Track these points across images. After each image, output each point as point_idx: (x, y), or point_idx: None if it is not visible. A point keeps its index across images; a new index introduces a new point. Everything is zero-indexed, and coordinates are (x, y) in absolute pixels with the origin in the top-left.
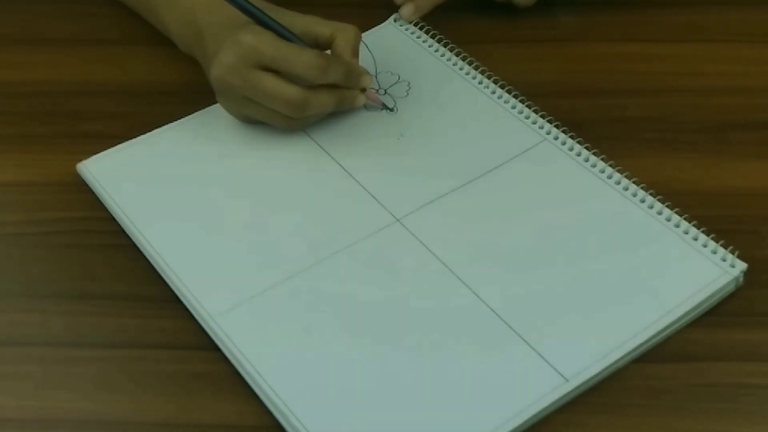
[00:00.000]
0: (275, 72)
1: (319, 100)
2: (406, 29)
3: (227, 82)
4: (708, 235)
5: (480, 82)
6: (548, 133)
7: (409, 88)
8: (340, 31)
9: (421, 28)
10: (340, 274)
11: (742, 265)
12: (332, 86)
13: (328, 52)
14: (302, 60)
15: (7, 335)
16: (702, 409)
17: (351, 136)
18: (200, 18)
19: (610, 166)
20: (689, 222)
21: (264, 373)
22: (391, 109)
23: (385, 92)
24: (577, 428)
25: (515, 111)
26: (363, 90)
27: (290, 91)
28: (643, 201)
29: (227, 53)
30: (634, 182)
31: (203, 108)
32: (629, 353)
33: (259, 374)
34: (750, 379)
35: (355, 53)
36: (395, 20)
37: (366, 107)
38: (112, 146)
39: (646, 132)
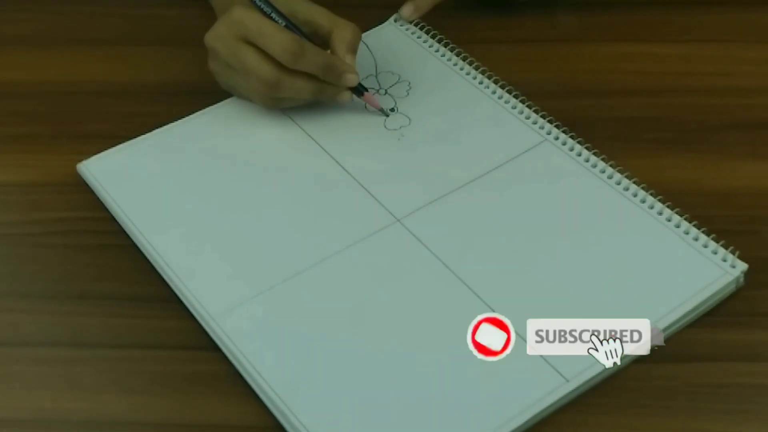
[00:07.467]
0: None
1: (294, 85)
2: (406, 29)
3: (214, 48)
4: (708, 235)
5: (480, 82)
6: (548, 133)
7: (410, 88)
8: (338, 27)
9: (421, 28)
10: (340, 275)
11: (742, 266)
12: (311, 75)
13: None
14: (277, 40)
15: (6, 335)
16: (703, 409)
17: (351, 136)
18: None
19: (610, 166)
20: (689, 222)
21: (264, 373)
22: (388, 115)
23: (386, 92)
24: (578, 428)
25: (515, 111)
26: (351, 89)
27: (265, 68)
28: (643, 201)
29: (219, 22)
30: (634, 182)
31: (203, 108)
32: (630, 353)
33: (259, 374)
34: (751, 379)
35: (351, 50)
36: (395, 20)
37: (366, 107)
38: (113, 146)
39: (646, 132)
